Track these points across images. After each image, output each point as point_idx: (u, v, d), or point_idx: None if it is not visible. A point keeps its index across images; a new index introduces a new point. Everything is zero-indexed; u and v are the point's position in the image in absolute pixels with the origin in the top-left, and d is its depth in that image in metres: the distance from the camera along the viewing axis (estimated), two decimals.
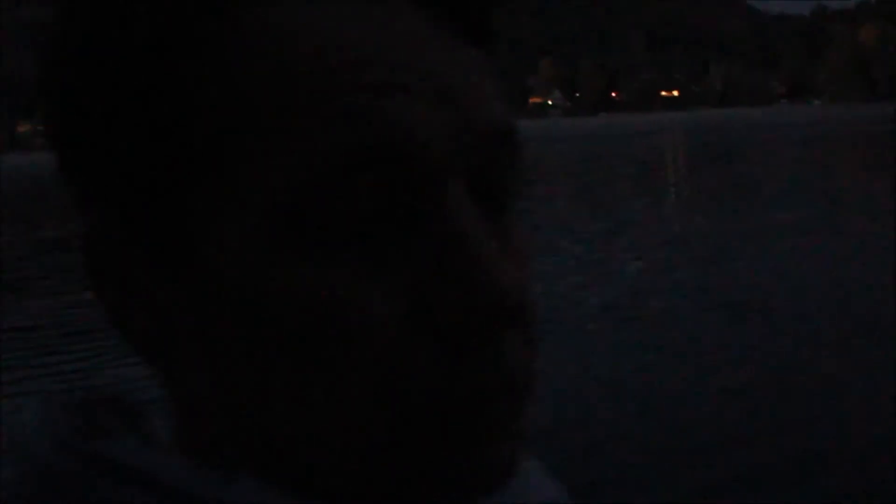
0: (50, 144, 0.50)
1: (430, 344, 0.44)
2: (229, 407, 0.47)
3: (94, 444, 0.47)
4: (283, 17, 0.45)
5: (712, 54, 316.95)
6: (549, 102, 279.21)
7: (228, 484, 0.46)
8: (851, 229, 13.11)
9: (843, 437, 5.39)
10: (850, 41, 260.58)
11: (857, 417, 5.67)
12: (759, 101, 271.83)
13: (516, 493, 0.52)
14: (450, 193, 0.45)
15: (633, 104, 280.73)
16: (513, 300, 0.44)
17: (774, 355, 7.14)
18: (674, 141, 57.46)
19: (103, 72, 0.46)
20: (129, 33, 0.45)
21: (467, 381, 0.45)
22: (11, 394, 6.78)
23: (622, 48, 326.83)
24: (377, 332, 0.44)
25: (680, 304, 9.16)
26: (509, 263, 0.46)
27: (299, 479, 0.47)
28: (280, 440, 0.46)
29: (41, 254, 16.13)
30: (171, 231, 0.46)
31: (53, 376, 7.61)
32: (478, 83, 0.48)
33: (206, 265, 0.46)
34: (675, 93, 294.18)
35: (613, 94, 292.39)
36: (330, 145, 0.43)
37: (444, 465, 0.46)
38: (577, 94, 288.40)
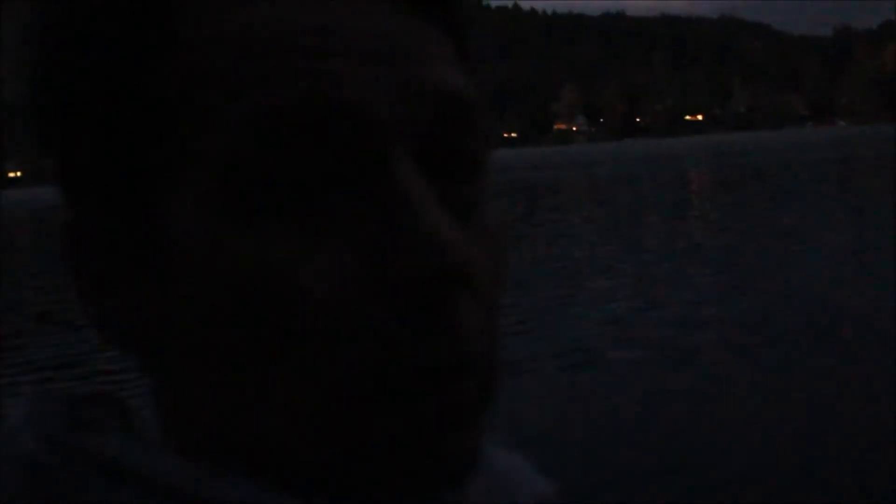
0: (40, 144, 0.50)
1: (380, 310, 0.44)
2: (202, 396, 0.47)
3: (82, 439, 0.47)
4: None
5: (735, 77, 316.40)
6: (574, 129, 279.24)
7: (214, 479, 0.46)
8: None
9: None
10: (875, 61, 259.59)
11: None
12: (783, 123, 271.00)
13: (505, 489, 0.52)
14: (394, 155, 0.45)
15: (658, 129, 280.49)
16: (456, 258, 0.44)
17: (837, 391, 6.79)
18: (702, 165, 57.08)
19: (66, 67, 0.47)
20: (87, 27, 0.46)
21: (421, 346, 0.44)
22: None
23: (644, 72, 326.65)
24: (327, 297, 0.44)
25: (730, 336, 8.79)
26: (465, 233, 0.46)
27: (272, 468, 0.46)
28: (245, 425, 0.46)
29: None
30: (141, 216, 0.46)
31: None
32: (426, 51, 0.48)
33: (170, 247, 0.46)
34: (699, 116, 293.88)
35: (638, 119, 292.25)
36: (262, 106, 0.44)
37: (405, 444, 0.45)
38: (602, 120, 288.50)
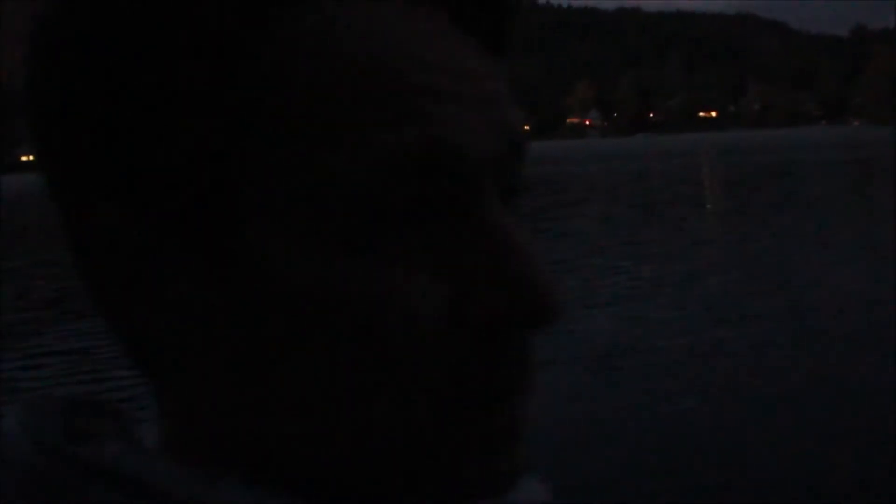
0: (37, 142, 0.49)
1: (466, 339, 0.46)
2: (246, 408, 0.47)
3: (79, 448, 0.47)
4: (331, 18, 0.45)
5: (750, 74, 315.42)
6: (588, 123, 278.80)
7: (214, 485, 0.46)
8: None
9: None
10: (890, 62, 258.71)
11: None
12: (797, 122, 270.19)
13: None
14: (488, 193, 0.47)
15: (670, 125, 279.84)
16: (556, 300, 0.45)
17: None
18: (715, 162, 56.80)
19: (148, 61, 0.45)
20: (184, 29, 0.45)
21: (498, 378, 0.46)
22: None
23: (658, 69, 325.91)
24: (421, 326, 0.45)
25: (746, 336, 8.62)
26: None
27: (302, 479, 0.47)
28: (298, 440, 0.46)
29: None
30: (209, 229, 0.46)
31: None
32: (506, 90, 0.49)
33: (247, 263, 0.45)
34: (713, 113, 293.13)
35: (651, 115, 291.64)
36: (385, 145, 0.44)
37: (467, 463, 0.47)
38: (615, 115, 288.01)
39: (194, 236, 0.46)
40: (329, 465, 0.47)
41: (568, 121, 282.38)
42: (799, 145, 79.38)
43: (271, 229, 0.45)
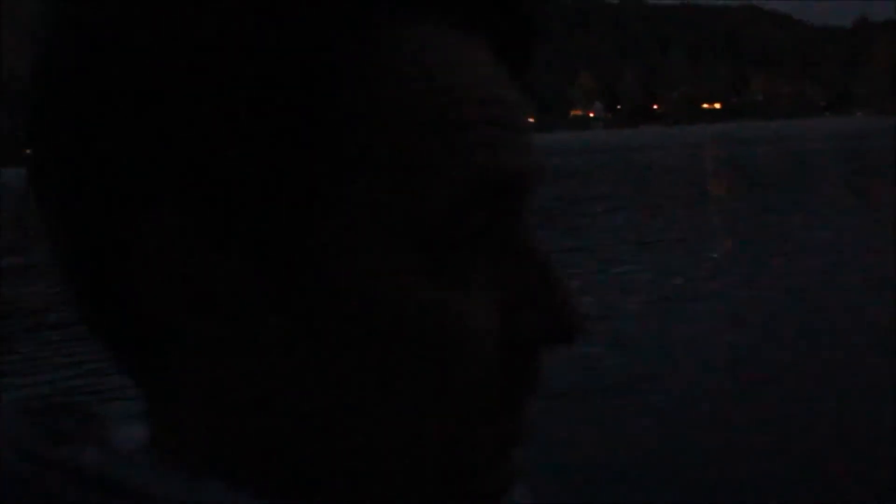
0: (69, 144, 0.46)
1: (507, 357, 0.48)
2: (262, 410, 0.47)
3: (57, 450, 0.47)
4: (413, 46, 0.46)
5: (753, 66, 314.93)
6: (592, 115, 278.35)
7: (197, 486, 0.47)
8: None
9: None
10: (893, 53, 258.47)
11: None
12: (800, 112, 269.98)
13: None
14: (524, 215, 0.49)
15: (675, 116, 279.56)
16: (584, 327, 0.48)
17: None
18: (727, 152, 56.61)
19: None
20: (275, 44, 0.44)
21: (519, 388, 0.49)
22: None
23: (662, 60, 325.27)
24: (474, 345, 0.47)
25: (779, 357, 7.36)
26: None
27: (302, 481, 0.48)
28: (321, 445, 0.47)
29: None
30: (282, 242, 0.46)
31: None
32: (525, 113, 0.51)
33: (321, 278, 0.46)
34: (717, 105, 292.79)
35: (655, 107, 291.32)
36: (467, 174, 0.45)
37: (484, 468, 0.49)
38: (619, 106, 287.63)
39: (264, 248, 0.46)
40: (344, 469, 0.47)
41: (571, 113, 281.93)
42: (806, 136, 78.61)
43: (356, 251, 0.46)
